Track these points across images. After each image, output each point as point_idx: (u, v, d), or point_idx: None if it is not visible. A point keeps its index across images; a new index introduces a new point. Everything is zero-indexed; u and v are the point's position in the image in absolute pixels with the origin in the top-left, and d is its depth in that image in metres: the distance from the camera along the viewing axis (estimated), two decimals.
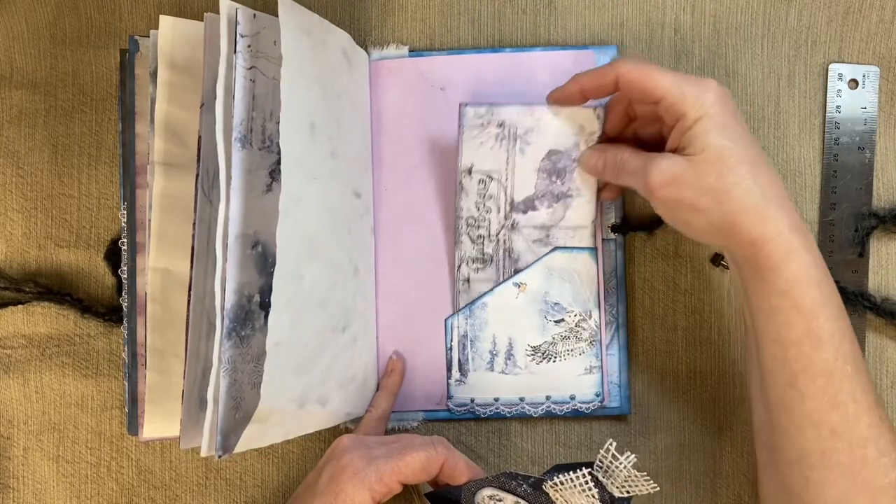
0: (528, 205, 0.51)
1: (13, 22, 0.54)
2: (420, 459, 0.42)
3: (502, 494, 0.41)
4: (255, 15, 0.44)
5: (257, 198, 0.44)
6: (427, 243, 0.53)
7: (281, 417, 0.43)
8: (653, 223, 0.52)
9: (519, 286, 0.52)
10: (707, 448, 0.52)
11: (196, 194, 0.45)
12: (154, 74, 0.48)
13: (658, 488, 0.40)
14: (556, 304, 0.51)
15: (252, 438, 0.42)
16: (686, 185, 0.41)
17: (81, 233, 0.54)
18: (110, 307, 0.53)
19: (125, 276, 0.50)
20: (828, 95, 0.53)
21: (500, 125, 0.50)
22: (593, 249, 0.51)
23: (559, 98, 0.48)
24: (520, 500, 0.41)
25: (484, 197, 0.51)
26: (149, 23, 0.54)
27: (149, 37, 0.48)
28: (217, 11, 0.44)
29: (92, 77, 0.54)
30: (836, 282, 0.50)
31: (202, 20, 0.47)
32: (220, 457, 0.43)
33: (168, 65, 0.47)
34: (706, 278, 0.53)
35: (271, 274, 0.41)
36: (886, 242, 0.52)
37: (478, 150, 0.50)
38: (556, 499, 0.41)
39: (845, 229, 0.52)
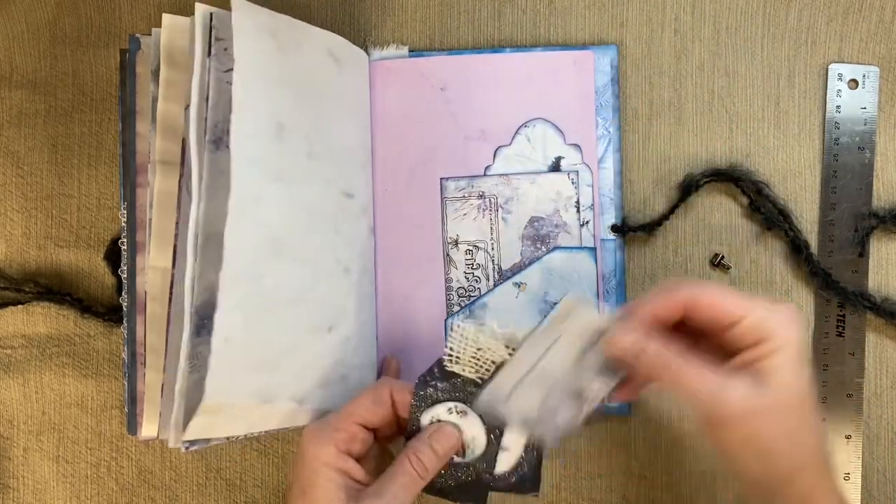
0: (516, 272, 0.52)
1: (13, 22, 0.54)
2: (367, 396, 0.43)
3: (434, 411, 0.43)
4: None
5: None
6: (427, 243, 0.53)
7: (239, 411, 0.43)
8: (652, 224, 0.52)
9: (519, 286, 0.52)
10: (707, 448, 0.52)
11: (179, 193, 0.46)
12: (156, 73, 0.48)
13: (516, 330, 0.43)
14: (555, 303, 0.51)
15: (203, 429, 0.43)
16: (766, 422, 0.37)
17: (81, 233, 0.54)
18: (110, 307, 0.53)
19: (125, 275, 0.50)
20: (828, 95, 0.53)
21: (481, 196, 0.52)
22: (593, 249, 0.51)
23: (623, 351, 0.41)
24: (447, 402, 0.43)
25: (472, 267, 0.52)
26: (149, 23, 0.54)
27: (150, 35, 0.49)
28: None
29: (92, 77, 0.54)
30: (836, 282, 0.51)
31: None
32: (186, 449, 0.43)
33: (170, 63, 0.48)
34: (706, 279, 0.53)
35: None
36: (886, 242, 0.52)
37: (462, 221, 0.52)
38: (463, 370, 0.43)
39: (845, 229, 0.52)
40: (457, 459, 0.43)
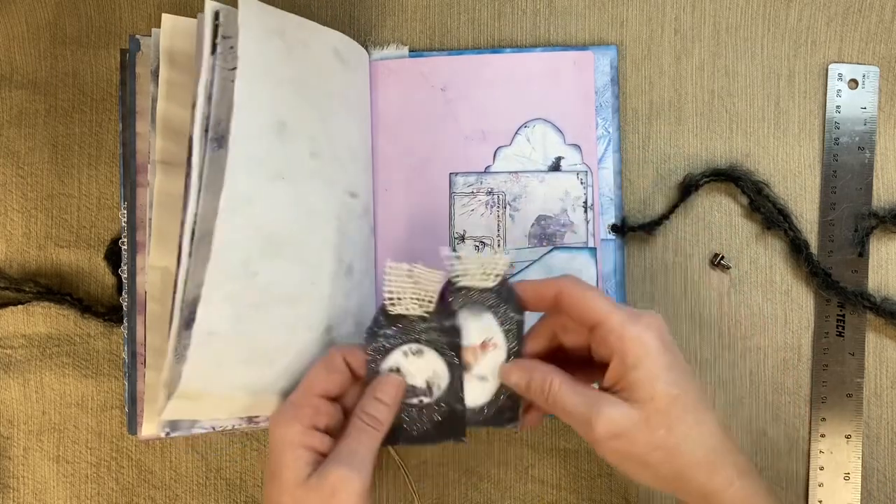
0: (518, 270, 0.52)
1: (13, 22, 0.54)
2: (320, 366, 0.43)
3: (390, 360, 0.44)
4: None
5: None
6: (427, 243, 0.53)
7: (222, 401, 0.44)
8: (652, 224, 0.52)
9: None
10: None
11: (186, 193, 0.46)
12: (156, 73, 0.48)
13: (508, 257, 0.43)
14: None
15: (181, 411, 0.44)
16: (636, 439, 0.39)
17: (81, 233, 0.54)
18: (110, 307, 0.53)
19: (125, 275, 0.50)
20: (828, 95, 0.53)
21: (489, 192, 0.52)
22: (593, 249, 0.51)
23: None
24: (401, 347, 0.44)
25: None
26: (149, 23, 0.54)
27: (150, 36, 0.48)
28: None
29: (92, 77, 0.54)
30: (836, 282, 0.51)
31: None
32: (166, 434, 0.45)
33: (169, 63, 0.48)
34: (706, 278, 0.53)
35: None
36: (886, 242, 0.52)
37: (469, 216, 0.52)
38: (407, 310, 0.43)
39: (845, 229, 0.52)
40: (426, 401, 0.44)
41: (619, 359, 0.39)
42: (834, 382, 0.52)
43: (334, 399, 0.43)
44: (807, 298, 0.52)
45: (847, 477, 0.52)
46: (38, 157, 0.54)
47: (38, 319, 0.54)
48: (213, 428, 0.47)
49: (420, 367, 0.44)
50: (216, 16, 0.44)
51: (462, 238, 0.52)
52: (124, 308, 0.50)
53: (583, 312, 0.41)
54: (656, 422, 0.39)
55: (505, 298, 0.44)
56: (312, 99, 0.47)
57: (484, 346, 0.44)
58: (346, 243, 0.49)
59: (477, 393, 0.44)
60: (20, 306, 0.53)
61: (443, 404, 0.44)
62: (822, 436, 0.52)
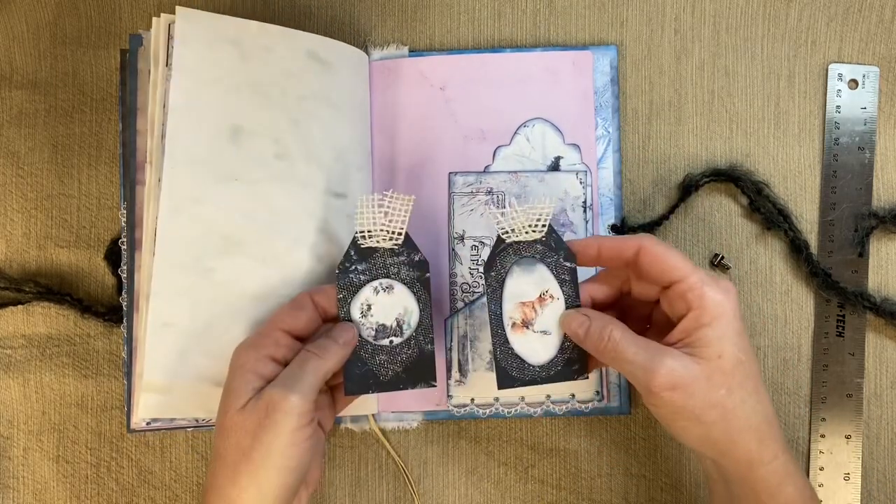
0: None
1: (13, 22, 0.54)
2: (287, 304, 0.44)
3: (361, 296, 0.44)
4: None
5: None
6: (426, 243, 0.53)
7: (194, 394, 0.46)
8: (652, 224, 0.52)
9: None
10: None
11: (149, 193, 0.48)
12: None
13: (552, 202, 0.43)
14: None
15: (156, 407, 0.45)
16: (695, 393, 0.39)
17: (81, 233, 0.54)
18: (110, 307, 0.53)
19: (125, 275, 0.50)
20: (828, 95, 0.53)
21: (489, 192, 0.52)
22: None
23: (577, 248, 0.45)
24: (371, 283, 0.44)
25: (477, 262, 0.52)
26: (149, 23, 0.54)
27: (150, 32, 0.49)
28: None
29: (92, 77, 0.54)
30: (836, 282, 0.51)
31: None
32: (147, 424, 0.47)
33: (157, 66, 0.48)
34: None
35: None
36: (886, 242, 0.52)
37: (469, 216, 0.52)
38: (378, 243, 0.44)
39: (845, 229, 0.52)
40: (396, 341, 0.44)
41: (694, 315, 0.40)
42: (834, 382, 0.52)
43: (301, 339, 0.44)
44: (807, 298, 0.52)
45: (847, 477, 0.52)
46: (38, 157, 0.54)
47: (38, 319, 0.54)
48: (197, 421, 0.48)
49: (391, 302, 0.44)
50: (169, 28, 0.46)
51: (461, 238, 0.52)
52: (124, 308, 0.50)
53: (664, 270, 0.41)
54: (718, 380, 0.39)
55: (554, 247, 0.44)
56: (279, 102, 0.48)
57: (541, 299, 0.44)
58: (328, 243, 0.49)
59: (540, 349, 0.44)
60: (20, 306, 0.53)
61: (412, 344, 0.44)
62: (822, 436, 0.52)
